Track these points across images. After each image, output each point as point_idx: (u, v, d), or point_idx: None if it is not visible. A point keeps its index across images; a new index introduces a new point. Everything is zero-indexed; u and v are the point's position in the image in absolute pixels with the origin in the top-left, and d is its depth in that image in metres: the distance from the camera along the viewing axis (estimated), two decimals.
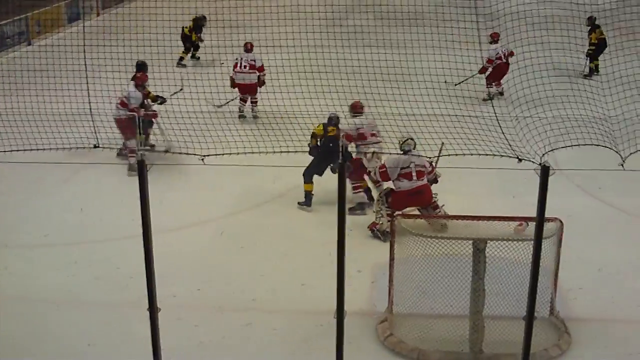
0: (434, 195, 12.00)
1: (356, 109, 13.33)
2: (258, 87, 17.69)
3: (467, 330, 9.10)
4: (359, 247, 11.32)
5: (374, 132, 13.10)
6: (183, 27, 21.73)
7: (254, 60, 17.72)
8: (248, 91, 17.85)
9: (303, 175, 13.05)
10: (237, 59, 17.69)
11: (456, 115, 15.43)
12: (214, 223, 12.59)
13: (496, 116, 12.74)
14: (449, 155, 14.43)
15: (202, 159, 8.42)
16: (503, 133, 11.96)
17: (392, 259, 9.43)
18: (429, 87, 14.86)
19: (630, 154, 13.27)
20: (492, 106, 12.68)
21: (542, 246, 7.10)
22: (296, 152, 12.33)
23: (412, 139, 11.83)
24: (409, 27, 15.38)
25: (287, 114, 11.60)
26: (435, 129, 12.76)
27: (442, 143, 12.19)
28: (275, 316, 9.98)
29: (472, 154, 12.28)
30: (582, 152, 14.31)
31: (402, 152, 11.90)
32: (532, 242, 7.06)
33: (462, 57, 16.65)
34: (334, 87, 13.31)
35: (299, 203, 13.13)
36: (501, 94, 19.11)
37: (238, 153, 9.01)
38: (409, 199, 11.80)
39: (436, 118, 15.77)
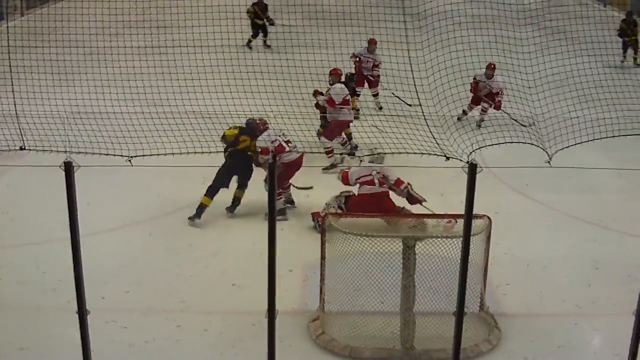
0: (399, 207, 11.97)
1: (259, 128, 12.91)
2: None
3: (399, 327, 9.16)
4: (290, 246, 11.31)
5: (287, 139, 12.90)
6: (248, 11, 23.61)
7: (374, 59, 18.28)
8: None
9: (208, 187, 12.57)
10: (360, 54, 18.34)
11: (384, 115, 15.55)
12: (141, 224, 12.47)
13: (424, 115, 12.82)
14: (378, 154, 14.56)
15: (129, 160, 8.35)
16: (431, 132, 12.06)
17: (323, 257, 9.45)
18: (357, 87, 14.99)
19: (557, 151, 13.46)
20: (420, 105, 12.78)
21: (471, 243, 7.17)
22: (225, 152, 12.33)
23: (378, 153, 11.84)
24: (337, 27, 15.43)
25: (215, 114, 11.54)
26: (365, 128, 12.83)
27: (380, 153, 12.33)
28: (206, 317, 9.92)
29: (400, 153, 12.36)
30: (509, 149, 14.49)
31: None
32: (461, 238, 7.12)
33: (389, 57, 16.76)
34: (262, 88, 13.32)
35: (189, 218, 12.56)
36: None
37: (165, 154, 8.95)
38: (370, 201, 11.76)
39: (365, 117, 15.84)
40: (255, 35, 24.14)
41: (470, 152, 9.01)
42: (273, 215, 6.84)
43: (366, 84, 18.34)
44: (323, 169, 14.56)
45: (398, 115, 14.99)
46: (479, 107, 17.61)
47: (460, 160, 10.35)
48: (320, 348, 9.27)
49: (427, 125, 12.18)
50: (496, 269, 10.15)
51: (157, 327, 9.70)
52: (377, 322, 9.37)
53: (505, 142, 13.96)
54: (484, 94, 17.34)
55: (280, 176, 12.46)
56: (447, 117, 12.19)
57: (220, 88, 12.87)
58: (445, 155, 11.15)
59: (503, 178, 13.89)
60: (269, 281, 6.92)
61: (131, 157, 8.31)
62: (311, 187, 13.30)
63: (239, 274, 10.79)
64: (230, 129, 12.52)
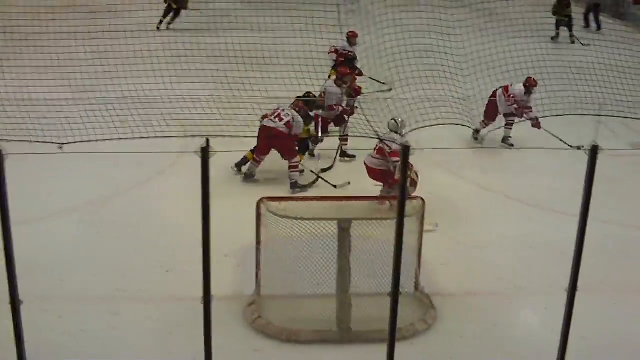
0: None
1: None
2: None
3: (335, 309, 9.19)
4: (225, 231, 11.23)
5: (284, 117, 12.86)
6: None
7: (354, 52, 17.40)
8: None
9: None
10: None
11: (317, 98, 15.53)
12: (74, 212, 12.27)
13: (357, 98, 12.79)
14: (313, 136, 14.49)
15: (61, 147, 8.26)
16: (364, 114, 12.10)
17: (258, 241, 9.43)
18: (290, 70, 14.97)
19: (489, 132, 13.58)
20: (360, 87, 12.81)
21: (405, 224, 7.19)
22: (156, 137, 12.22)
23: (394, 120, 11.64)
24: (269, 11, 15.39)
25: (147, 99, 11.45)
26: (300, 112, 12.83)
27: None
28: (142, 304, 9.84)
29: (333, 136, 12.37)
30: (442, 131, 14.57)
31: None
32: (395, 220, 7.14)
33: (322, 39, 16.80)
34: (202, 72, 13.28)
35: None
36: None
37: (97, 140, 8.86)
38: (368, 169, 11.94)
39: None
40: (165, 15, 23.62)
41: (404, 134, 9.05)
42: (207, 200, 6.80)
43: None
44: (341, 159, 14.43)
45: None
46: (492, 123, 14.93)
47: (394, 142, 10.40)
48: (257, 332, 9.26)
49: (361, 108, 12.21)
50: (431, 250, 10.20)
51: (92, 316, 9.59)
52: (314, 305, 9.37)
53: (438, 124, 14.10)
54: (505, 110, 14.85)
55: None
56: (381, 99, 12.25)
57: (152, 73, 12.78)
58: (379, 138, 11.20)
59: (437, 159, 13.93)
60: (204, 266, 6.88)
61: (62, 143, 8.22)
62: (348, 183, 13.16)
63: (173, 260, 10.70)
64: None
